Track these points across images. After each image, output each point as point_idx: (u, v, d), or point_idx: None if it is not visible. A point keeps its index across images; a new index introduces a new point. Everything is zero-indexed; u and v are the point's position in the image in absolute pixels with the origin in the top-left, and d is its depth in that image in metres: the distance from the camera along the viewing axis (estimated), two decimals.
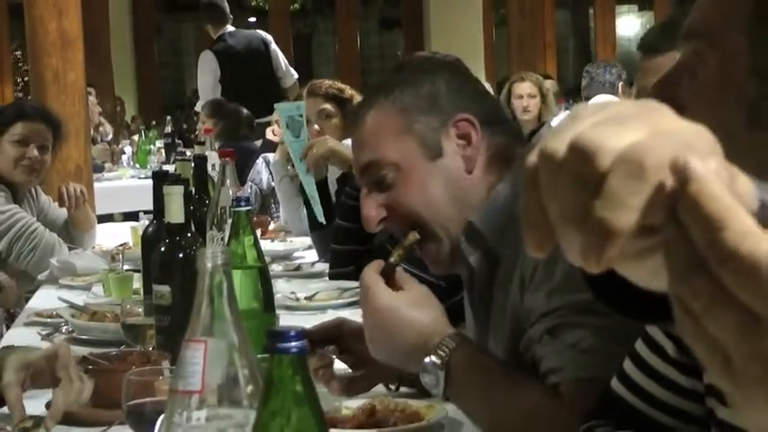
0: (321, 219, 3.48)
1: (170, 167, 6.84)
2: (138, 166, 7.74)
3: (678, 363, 1.41)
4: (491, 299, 1.85)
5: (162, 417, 1.53)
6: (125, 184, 7.17)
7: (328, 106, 4.05)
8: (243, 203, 2.14)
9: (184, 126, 10.53)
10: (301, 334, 1.04)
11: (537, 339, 1.69)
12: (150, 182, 2.47)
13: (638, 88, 2.60)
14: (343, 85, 4.28)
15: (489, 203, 1.83)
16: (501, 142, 1.88)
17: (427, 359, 1.71)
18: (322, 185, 3.56)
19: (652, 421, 1.45)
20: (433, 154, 1.85)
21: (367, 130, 1.89)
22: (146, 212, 4.47)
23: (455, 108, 1.85)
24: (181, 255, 2.23)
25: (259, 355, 1.23)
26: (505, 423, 1.68)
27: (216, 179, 3.21)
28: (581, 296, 1.63)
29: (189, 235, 2.27)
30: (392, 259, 1.78)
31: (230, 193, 2.71)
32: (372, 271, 1.77)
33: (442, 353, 1.71)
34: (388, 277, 1.77)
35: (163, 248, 2.25)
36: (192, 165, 3.01)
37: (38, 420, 1.93)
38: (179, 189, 2.23)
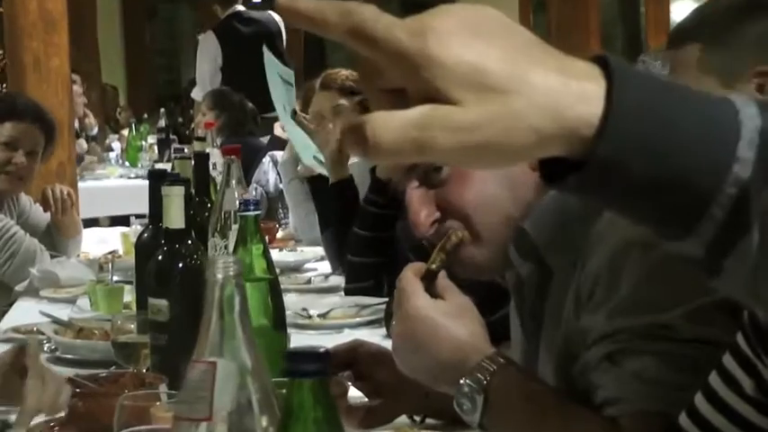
0: (307, 160, 3.52)
1: (164, 166, 6.87)
2: (127, 164, 7.75)
3: (756, 401, 1.41)
4: (543, 313, 1.85)
5: None
6: (113, 185, 7.18)
7: (344, 102, 4.01)
8: (251, 207, 2.15)
9: (180, 120, 10.56)
10: (324, 355, 1.05)
11: (594, 365, 1.68)
12: (141, 182, 2.48)
13: None
14: None
15: (541, 208, 1.83)
16: None
17: (463, 380, 1.71)
18: (344, 186, 3.58)
19: None
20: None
21: None
22: (137, 216, 4.49)
23: None
24: (180, 264, 2.23)
25: (272, 379, 1.24)
26: None
27: (218, 180, 3.22)
28: (646, 319, 1.63)
29: (189, 242, 2.28)
30: (434, 266, 1.78)
31: (236, 195, 2.71)
32: (411, 273, 1.77)
33: (481, 375, 1.70)
34: (428, 284, 1.77)
35: (160, 257, 2.26)
36: (192, 163, 3.00)
37: (3, 426, 1.92)
38: (179, 190, 2.23)
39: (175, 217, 2.24)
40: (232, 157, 2.80)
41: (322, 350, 1.05)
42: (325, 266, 3.85)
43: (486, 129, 0.82)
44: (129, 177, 7.35)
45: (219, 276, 1.19)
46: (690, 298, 1.59)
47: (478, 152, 0.83)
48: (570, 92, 0.84)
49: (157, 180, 2.47)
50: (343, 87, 4.08)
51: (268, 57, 3.68)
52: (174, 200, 2.23)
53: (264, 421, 1.17)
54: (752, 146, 0.84)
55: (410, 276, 1.77)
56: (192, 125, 8.17)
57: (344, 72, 4.23)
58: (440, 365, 1.73)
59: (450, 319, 1.75)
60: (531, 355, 1.91)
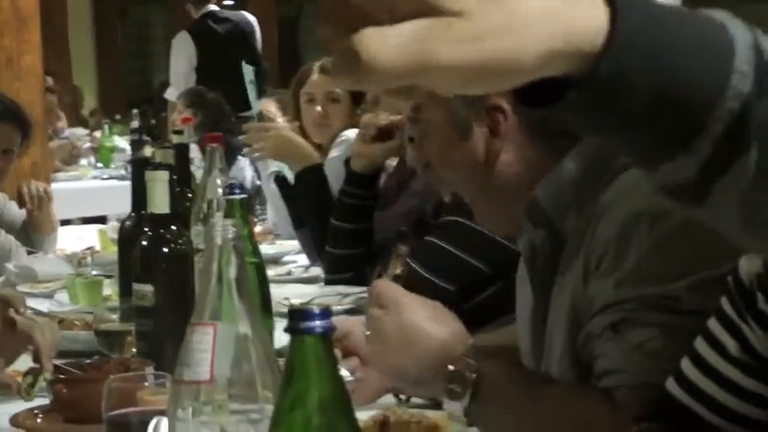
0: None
1: None
2: (100, 165, 7.74)
3: (741, 362, 1.43)
4: (553, 282, 1.88)
5: (155, 419, 1.55)
6: (85, 186, 7.17)
7: (339, 90, 4.04)
8: (237, 191, 2.16)
9: (153, 121, 10.54)
10: (326, 312, 1.06)
11: (598, 333, 1.71)
12: (115, 183, 2.49)
13: None
14: None
15: (553, 178, 1.86)
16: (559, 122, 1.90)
17: (452, 366, 1.73)
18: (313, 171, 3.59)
19: (708, 425, 1.47)
20: (461, 134, 1.92)
21: None
22: (102, 220, 4.51)
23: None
24: (165, 249, 2.25)
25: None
26: None
27: (197, 174, 3.23)
28: (653, 289, 1.66)
29: (174, 228, 2.29)
30: (398, 271, 1.82)
31: (218, 183, 2.72)
32: (389, 282, 1.82)
33: (471, 359, 1.73)
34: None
35: (145, 242, 2.27)
36: (174, 153, 3.01)
37: (35, 371, 1.97)
38: (163, 175, 2.25)
39: (160, 202, 2.25)
40: (215, 145, 2.81)
41: (324, 307, 1.06)
42: (305, 258, 3.87)
43: (491, 40, 0.78)
44: (103, 178, 7.34)
45: (218, 240, 1.20)
46: (695, 269, 1.62)
47: (482, 68, 0.79)
48: (576, 7, 0.82)
49: (140, 167, 2.48)
50: None
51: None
52: (159, 184, 2.24)
53: (265, 383, 1.18)
54: (748, 60, 0.85)
55: (391, 284, 1.83)
56: (169, 124, 8.16)
57: None
58: (430, 364, 1.76)
59: (433, 322, 1.78)
60: (538, 322, 1.94)
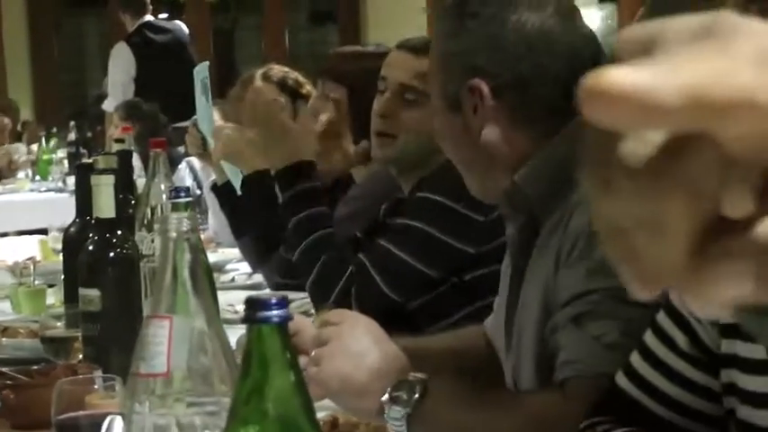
0: (238, 190, 3.50)
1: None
2: (38, 177, 7.69)
3: (690, 356, 1.46)
4: (525, 269, 1.90)
5: (108, 418, 1.54)
6: (23, 199, 7.12)
7: (281, 99, 3.99)
8: (182, 194, 2.15)
9: (89, 134, 10.47)
10: (282, 302, 1.07)
11: (562, 325, 1.73)
12: (53, 195, 2.48)
13: None
14: (303, 79, 4.24)
15: (537, 163, 1.89)
16: (542, 108, 1.95)
17: (403, 378, 1.76)
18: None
19: (658, 418, 1.49)
20: (451, 107, 2.01)
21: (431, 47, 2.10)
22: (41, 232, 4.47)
23: (481, 69, 1.96)
24: (112, 254, 2.25)
25: None
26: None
27: (139, 183, 3.22)
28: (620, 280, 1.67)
29: (119, 232, 2.29)
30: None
31: (162, 188, 2.72)
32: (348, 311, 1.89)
33: (420, 375, 1.76)
34: None
35: (91, 247, 2.26)
36: (117, 160, 3.00)
37: None
38: (108, 179, 2.24)
39: (105, 206, 2.24)
40: (158, 150, 2.80)
41: (280, 296, 1.07)
42: (248, 265, 3.86)
43: None
44: (41, 191, 7.30)
45: (173, 234, 1.20)
46: None
47: None
48: None
49: (85, 173, 2.47)
50: (283, 83, 4.07)
51: (199, 78, 3.69)
52: (104, 189, 2.24)
53: (222, 378, 1.18)
54: None
55: (347, 312, 1.98)
56: (107, 137, 8.11)
57: (286, 69, 4.23)
58: (375, 372, 1.79)
59: (378, 343, 1.84)
60: (511, 306, 1.96)
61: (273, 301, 1.06)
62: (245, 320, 1.06)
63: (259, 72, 4.19)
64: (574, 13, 1.98)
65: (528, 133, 1.93)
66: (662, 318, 1.50)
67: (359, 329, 1.83)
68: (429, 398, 1.73)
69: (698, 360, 1.45)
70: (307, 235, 2.90)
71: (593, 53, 1.96)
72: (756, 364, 1.35)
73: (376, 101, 2.91)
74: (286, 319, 1.06)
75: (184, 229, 1.20)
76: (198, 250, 1.22)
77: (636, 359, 1.52)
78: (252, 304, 1.06)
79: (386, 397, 1.76)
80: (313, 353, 1.83)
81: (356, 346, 1.81)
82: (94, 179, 2.24)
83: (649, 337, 1.51)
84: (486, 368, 2.20)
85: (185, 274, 1.22)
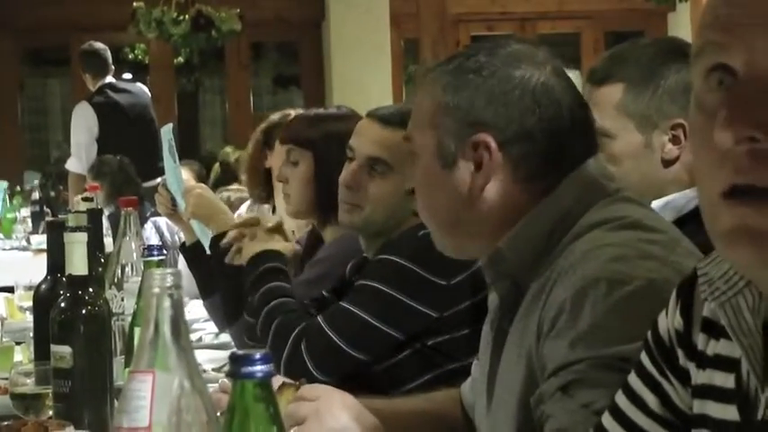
0: (207, 249, 3.50)
1: (40, 237, 6.80)
2: (1, 236, 7.66)
3: (661, 418, 1.47)
4: (507, 333, 1.91)
5: None
6: None
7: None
8: (155, 252, 2.18)
9: (52, 193, 10.45)
10: (266, 357, 1.09)
11: (548, 396, 1.73)
12: (17, 254, 2.48)
13: None
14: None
15: (522, 228, 1.90)
16: (540, 166, 1.94)
17: None
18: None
19: None
20: (445, 163, 1.96)
21: (415, 103, 2.06)
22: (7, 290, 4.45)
23: (485, 123, 1.93)
24: (84, 311, 2.25)
25: None
26: None
27: (107, 242, 3.23)
28: (607, 350, 1.69)
29: (91, 289, 2.30)
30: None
31: (133, 246, 2.73)
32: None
33: None
34: None
35: (63, 304, 2.27)
36: (87, 218, 3.01)
37: None
38: (82, 237, 2.26)
39: (78, 263, 2.26)
40: (129, 209, 2.81)
41: (264, 351, 1.09)
42: (214, 326, 3.86)
43: None
44: (4, 249, 7.26)
45: (156, 289, 1.22)
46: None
47: None
48: None
49: (57, 230, 2.48)
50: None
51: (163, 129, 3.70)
52: (77, 246, 2.25)
53: (203, 430, 1.20)
54: None
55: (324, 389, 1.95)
56: (70, 195, 8.11)
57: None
58: None
59: (356, 421, 1.87)
60: (492, 374, 1.97)
61: (257, 356, 1.07)
62: (228, 375, 1.08)
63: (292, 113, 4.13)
64: (565, 73, 2.01)
65: (527, 189, 1.92)
66: (633, 379, 1.51)
67: (336, 406, 1.83)
68: None
69: (668, 421, 1.47)
70: (265, 305, 2.92)
71: (583, 108, 1.99)
72: (728, 426, 1.36)
73: (344, 169, 2.92)
74: (269, 375, 1.08)
75: (167, 284, 1.22)
76: (180, 306, 1.24)
77: (607, 420, 1.53)
78: (236, 359, 1.08)
79: None
80: (292, 431, 1.83)
81: (335, 423, 1.81)
82: (68, 237, 2.25)
83: (620, 398, 1.52)
84: None
85: (167, 329, 1.23)
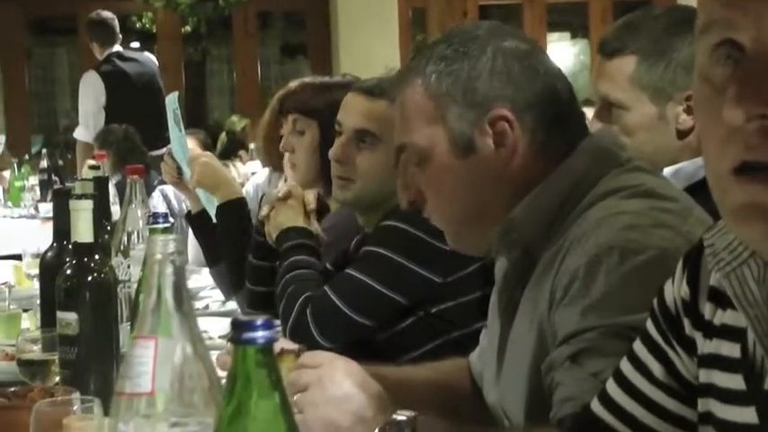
0: (213, 218, 3.50)
1: (47, 206, 6.81)
2: (10, 204, 7.67)
3: (666, 386, 1.47)
4: (519, 301, 1.91)
5: None
6: None
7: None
8: (160, 220, 2.18)
9: (60, 162, 10.46)
10: (268, 323, 1.08)
11: (558, 363, 1.73)
12: (25, 222, 2.48)
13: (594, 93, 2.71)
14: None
15: (534, 199, 1.89)
16: (554, 128, 1.93)
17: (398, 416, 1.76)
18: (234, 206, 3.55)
19: None
20: (463, 151, 1.93)
21: (401, 112, 1.99)
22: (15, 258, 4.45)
23: (494, 98, 1.91)
24: (89, 278, 2.25)
25: None
26: None
27: (113, 210, 3.22)
28: (617, 318, 1.68)
29: (97, 257, 2.29)
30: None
31: (139, 214, 2.73)
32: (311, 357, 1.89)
33: (401, 415, 1.76)
34: None
35: (69, 271, 2.27)
36: (94, 186, 3.00)
37: None
38: (88, 204, 2.26)
39: (84, 231, 2.25)
40: (135, 177, 2.81)
41: (266, 317, 1.08)
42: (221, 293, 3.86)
43: None
44: (12, 217, 7.28)
45: (158, 255, 1.22)
46: None
47: None
48: None
49: (63, 198, 2.48)
50: None
51: (171, 108, 3.68)
52: (83, 213, 2.25)
53: (206, 396, 1.19)
54: None
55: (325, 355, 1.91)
56: (78, 164, 8.11)
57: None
58: (360, 414, 1.81)
59: (359, 386, 1.83)
60: (503, 341, 1.96)
61: (259, 322, 1.07)
62: (230, 341, 1.07)
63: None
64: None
65: (543, 157, 1.91)
66: (638, 347, 1.51)
67: (339, 373, 1.82)
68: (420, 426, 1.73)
69: (673, 389, 1.47)
70: (283, 276, 2.93)
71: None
72: (734, 395, 1.36)
73: (333, 145, 2.92)
74: (271, 341, 1.07)
75: (169, 251, 1.21)
76: (182, 272, 1.23)
77: (611, 386, 1.53)
78: (237, 325, 1.07)
79: None
80: (294, 398, 1.82)
81: (338, 391, 1.80)
82: (74, 204, 2.25)
83: (625, 365, 1.52)
84: (469, 405, 2.20)
85: (169, 295, 1.23)
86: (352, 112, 2.91)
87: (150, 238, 1.22)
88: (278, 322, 3.05)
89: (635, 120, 2.54)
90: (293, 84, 3.98)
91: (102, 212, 2.95)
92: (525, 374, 1.85)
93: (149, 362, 1.20)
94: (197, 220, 3.71)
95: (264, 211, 3.15)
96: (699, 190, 2.33)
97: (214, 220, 3.51)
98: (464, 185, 1.94)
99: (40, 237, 4.43)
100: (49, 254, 2.67)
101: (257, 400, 1.06)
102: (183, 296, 1.24)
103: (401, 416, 1.75)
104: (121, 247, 2.73)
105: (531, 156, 1.91)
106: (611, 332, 1.69)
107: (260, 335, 1.06)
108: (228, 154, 8.29)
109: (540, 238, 1.88)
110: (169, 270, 1.23)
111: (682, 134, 2.52)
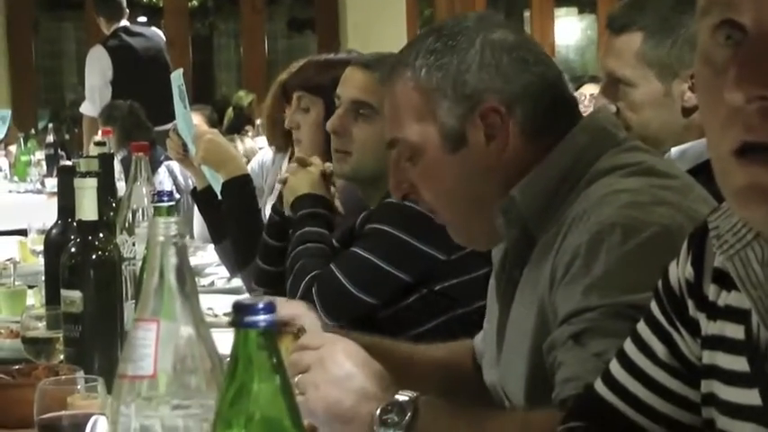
0: (219, 194, 3.50)
1: (53, 180, 6.80)
2: (16, 179, 7.68)
3: (669, 366, 1.47)
4: (519, 280, 1.90)
5: (93, 418, 1.55)
6: (0, 200, 7.10)
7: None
8: (165, 198, 2.17)
9: (66, 137, 10.46)
10: (269, 306, 1.07)
11: (560, 343, 1.73)
12: (31, 196, 2.48)
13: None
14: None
15: (534, 178, 1.89)
16: (545, 117, 1.92)
17: (394, 397, 1.76)
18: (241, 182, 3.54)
19: (634, 426, 1.50)
20: (455, 145, 1.92)
21: (391, 105, 1.98)
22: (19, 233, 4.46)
23: (484, 91, 1.90)
24: (94, 256, 2.25)
25: None
26: None
27: (119, 186, 3.22)
28: (620, 298, 1.68)
29: (101, 235, 2.29)
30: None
31: (144, 192, 2.73)
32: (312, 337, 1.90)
33: (409, 393, 1.76)
34: None
35: (73, 249, 2.27)
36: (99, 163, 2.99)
37: None
38: (92, 182, 2.26)
39: (89, 209, 2.26)
40: (140, 154, 2.80)
41: (268, 301, 1.08)
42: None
43: None
44: (19, 192, 7.29)
45: (161, 238, 1.21)
46: None
47: None
48: None
49: (67, 175, 2.48)
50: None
51: (176, 84, 3.68)
52: (88, 191, 2.25)
53: (208, 381, 1.19)
54: None
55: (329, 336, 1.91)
56: (84, 139, 8.11)
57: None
58: (362, 394, 1.78)
59: (361, 366, 1.81)
60: (502, 323, 1.96)
61: (260, 306, 1.06)
62: (231, 324, 1.07)
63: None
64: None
65: (537, 145, 1.90)
66: (642, 327, 1.51)
67: (339, 354, 1.81)
68: (420, 418, 1.72)
69: (676, 370, 1.47)
70: (294, 248, 2.93)
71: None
72: (737, 376, 1.36)
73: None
74: (273, 324, 1.07)
75: (172, 233, 1.21)
76: (185, 254, 1.23)
77: (615, 367, 1.53)
78: (239, 309, 1.06)
79: (376, 420, 1.75)
80: (296, 379, 1.82)
81: (339, 371, 1.79)
82: (78, 182, 2.25)
83: (629, 346, 1.52)
84: (471, 386, 2.21)
85: (172, 277, 1.23)
86: (350, 85, 2.93)
87: (153, 221, 1.22)
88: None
89: (641, 96, 2.55)
90: (295, 65, 3.98)
91: (107, 189, 2.95)
92: (526, 355, 1.85)
93: (152, 344, 1.20)
94: (202, 196, 3.70)
95: (284, 175, 3.16)
96: (706, 170, 2.33)
97: (219, 197, 3.51)
98: (457, 179, 1.93)
99: (46, 212, 4.43)
100: (54, 231, 2.66)
101: (259, 383, 1.06)
102: (185, 278, 1.24)
103: (403, 396, 1.75)
104: (126, 225, 2.73)
105: (523, 146, 1.91)
106: (613, 312, 1.69)
107: (261, 318, 1.06)
108: (236, 129, 8.29)
109: (539, 217, 1.88)
110: (171, 252, 1.23)
111: (687, 112, 2.53)
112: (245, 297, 2.26)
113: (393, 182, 2.02)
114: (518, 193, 1.89)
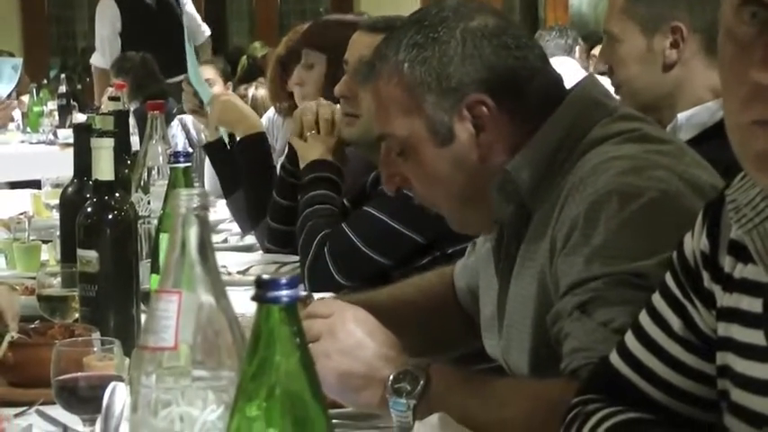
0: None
1: (66, 131, 6.80)
2: (28, 129, 7.66)
3: (684, 339, 1.47)
4: (517, 254, 1.90)
5: (111, 385, 1.56)
6: (13, 151, 7.10)
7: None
8: (181, 159, 2.17)
9: (78, 87, 10.44)
10: (292, 281, 1.07)
11: (566, 314, 1.72)
12: (43, 147, 2.48)
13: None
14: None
15: (527, 153, 1.88)
16: (533, 100, 1.91)
17: (404, 367, 1.76)
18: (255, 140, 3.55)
19: (649, 398, 1.50)
20: (444, 139, 1.90)
21: (376, 102, 1.97)
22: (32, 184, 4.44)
23: (469, 83, 1.88)
24: (110, 216, 2.25)
25: None
26: (519, 419, 1.71)
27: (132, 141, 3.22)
28: (623, 266, 1.68)
29: (118, 194, 2.29)
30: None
31: (159, 150, 2.72)
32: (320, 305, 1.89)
33: (420, 362, 1.76)
34: None
35: (89, 209, 2.27)
36: (114, 120, 2.99)
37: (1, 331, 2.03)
38: (109, 142, 2.25)
39: (105, 168, 2.25)
40: (155, 112, 2.80)
41: (291, 275, 1.08)
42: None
43: None
44: (31, 143, 7.28)
45: (182, 210, 1.21)
46: (664, 247, 1.60)
47: None
48: None
49: (83, 133, 2.47)
50: None
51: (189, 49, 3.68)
52: (104, 152, 2.24)
53: (229, 353, 1.20)
54: None
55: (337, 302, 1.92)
56: (96, 90, 8.10)
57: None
58: (374, 363, 1.78)
59: (371, 335, 1.81)
60: (502, 296, 1.96)
61: (283, 281, 1.06)
62: (254, 299, 1.07)
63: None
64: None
65: (527, 127, 1.90)
66: (657, 299, 1.51)
67: (349, 322, 1.80)
68: (433, 386, 1.73)
69: (691, 343, 1.46)
70: (303, 210, 2.94)
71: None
72: (753, 350, 1.36)
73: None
74: (295, 300, 1.06)
75: (194, 205, 1.21)
76: (207, 226, 1.23)
77: (630, 339, 1.53)
78: (261, 284, 1.06)
79: (389, 389, 1.75)
80: None
81: (350, 339, 1.79)
82: (95, 142, 2.24)
83: (644, 318, 1.52)
84: (454, 327, 2.25)
85: (194, 249, 1.23)
86: (357, 48, 2.92)
87: (174, 193, 1.22)
88: (287, 260, 3.08)
89: (627, 51, 2.61)
90: (293, 35, 4.01)
91: (122, 147, 2.94)
92: (529, 329, 1.85)
93: (173, 316, 1.20)
94: (214, 148, 3.71)
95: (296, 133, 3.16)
96: (714, 136, 2.34)
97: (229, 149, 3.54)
98: (449, 172, 1.91)
99: (59, 163, 4.42)
100: (70, 189, 2.66)
101: (280, 357, 1.06)
102: (207, 250, 1.24)
103: (414, 363, 1.75)
104: (141, 183, 2.73)
105: (513, 131, 1.90)
106: (617, 280, 1.68)
107: (284, 293, 1.06)
108: (249, 79, 8.27)
109: (535, 191, 1.87)
110: (193, 224, 1.23)
111: (666, 68, 2.57)
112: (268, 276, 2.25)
113: (385, 176, 2.00)
114: (513, 168, 1.88)
